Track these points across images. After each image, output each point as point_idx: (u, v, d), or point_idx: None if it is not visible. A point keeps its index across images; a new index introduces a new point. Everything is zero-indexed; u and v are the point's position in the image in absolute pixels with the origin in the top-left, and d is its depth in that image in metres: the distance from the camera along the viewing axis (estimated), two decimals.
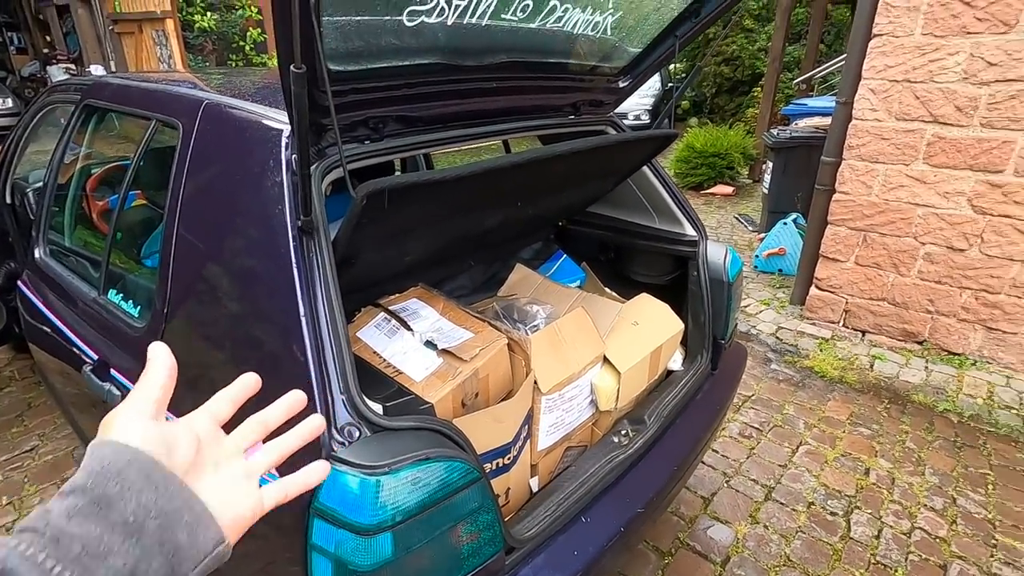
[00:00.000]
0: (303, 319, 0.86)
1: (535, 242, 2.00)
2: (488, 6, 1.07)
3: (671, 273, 1.79)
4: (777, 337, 3.25)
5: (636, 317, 1.50)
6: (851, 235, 3.06)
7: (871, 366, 2.93)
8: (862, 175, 2.94)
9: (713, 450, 2.30)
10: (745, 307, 3.61)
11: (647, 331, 1.47)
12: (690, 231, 1.72)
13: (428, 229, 1.22)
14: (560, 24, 1.28)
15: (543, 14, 1.21)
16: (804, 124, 4.47)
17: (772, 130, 4.58)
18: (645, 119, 8.54)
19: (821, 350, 3.07)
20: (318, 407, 0.84)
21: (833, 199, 3.08)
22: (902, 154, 2.80)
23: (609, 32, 1.41)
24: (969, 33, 2.52)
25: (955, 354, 2.90)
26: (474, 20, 1.08)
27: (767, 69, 6.27)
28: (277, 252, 0.92)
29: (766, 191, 4.58)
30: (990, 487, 2.13)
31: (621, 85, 1.62)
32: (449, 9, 1.00)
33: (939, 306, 2.89)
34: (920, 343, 3.00)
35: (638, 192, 1.79)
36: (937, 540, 1.87)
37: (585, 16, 1.31)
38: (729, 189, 6.21)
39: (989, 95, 2.54)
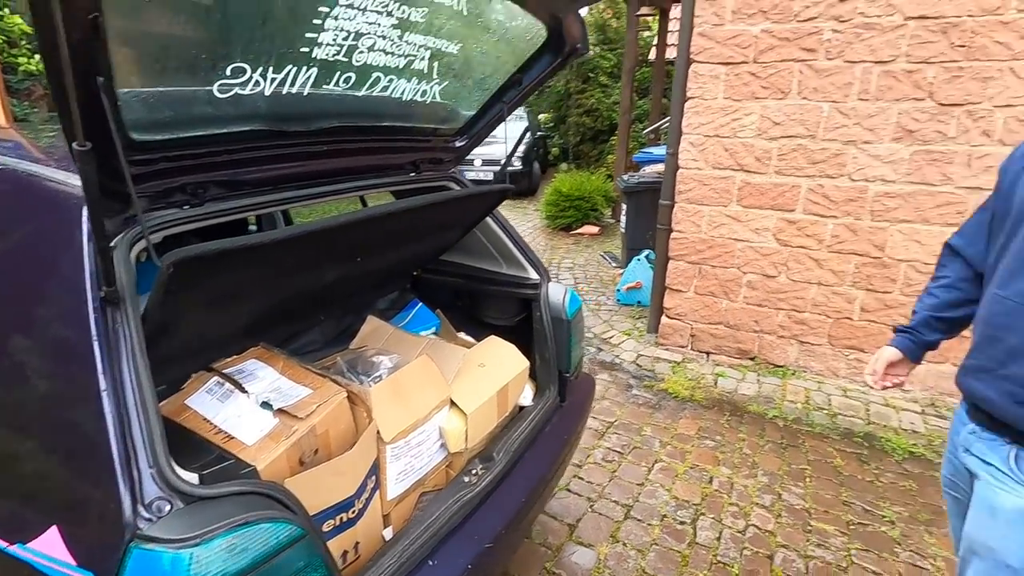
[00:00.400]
0: (104, 394, 0.84)
1: (391, 292, 2.05)
2: (307, 78, 1.14)
3: (519, 314, 1.92)
4: (637, 364, 3.54)
5: (483, 359, 1.59)
6: (689, 268, 3.46)
7: (715, 383, 3.29)
8: (692, 216, 3.37)
9: (579, 477, 2.43)
10: (609, 338, 3.90)
11: (493, 371, 1.57)
12: (533, 275, 1.87)
13: (259, 290, 1.23)
14: (388, 92, 1.38)
15: (368, 84, 1.30)
16: (650, 170, 5.01)
17: (624, 176, 5.08)
18: (518, 165, 9.02)
19: (674, 373, 3.39)
20: (121, 484, 0.81)
21: (671, 237, 3.47)
22: (720, 197, 3.26)
23: (439, 98, 1.54)
24: (758, 98, 3.04)
25: (779, 366, 3.35)
26: (295, 90, 1.14)
27: (620, 121, 6.96)
28: (77, 325, 0.89)
29: (623, 230, 5.04)
30: (807, 480, 2.47)
31: (458, 144, 1.75)
32: (265, 82, 1.06)
33: (762, 326, 3.34)
34: (752, 359, 3.43)
35: (485, 241, 1.92)
36: (766, 533, 2.13)
37: (412, 85, 1.43)
38: (595, 229, 6.72)
39: (778, 148, 3.06)
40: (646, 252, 4.39)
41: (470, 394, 1.46)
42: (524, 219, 7.82)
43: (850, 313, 3.09)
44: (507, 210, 8.41)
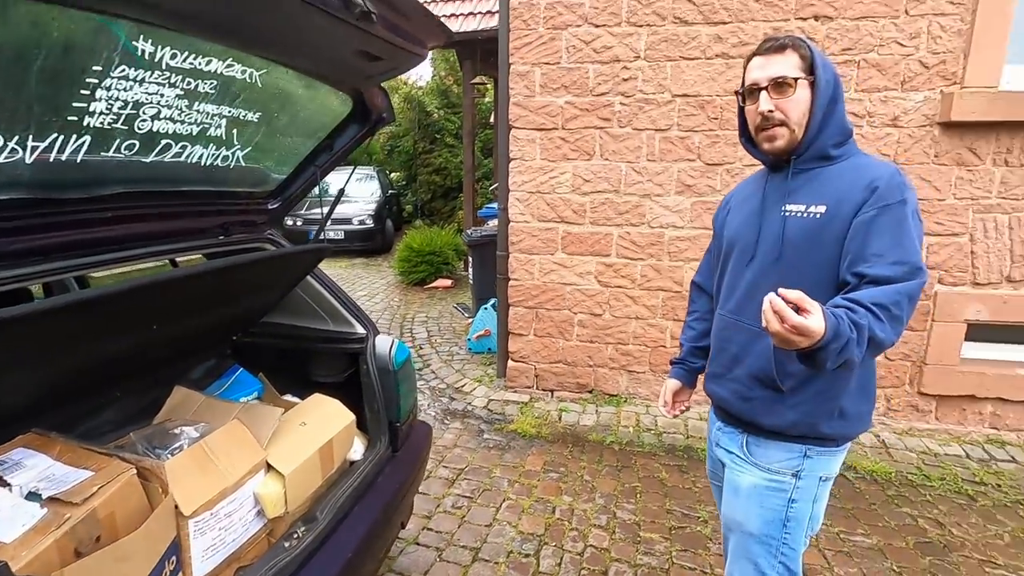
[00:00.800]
0: None
1: (206, 360, 1.95)
2: (80, 145, 1.12)
3: (348, 370, 1.94)
4: (489, 409, 3.66)
5: (305, 417, 1.58)
6: (527, 313, 3.71)
7: (560, 418, 3.51)
8: (524, 264, 3.65)
9: (428, 528, 2.43)
10: (462, 387, 3.99)
11: (316, 429, 1.56)
12: (359, 329, 1.91)
13: (25, 368, 1.13)
14: (184, 158, 1.38)
15: (157, 150, 1.30)
16: (492, 224, 5.34)
17: (469, 230, 5.35)
18: (369, 223, 9.00)
19: (522, 413, 3.56)
20: None
21: (509, 285, 3.72)
22: (547, 246, 3.59)
23: (244, 163, 1.56)
24: (569, 159, 3.46)
25: (613, 396, 3.68)
26: (65, 157, 1.11)
27: (465, 179, 7.35)
28: None
29: (472, 282, 5.25)
30: (638, 496, 2.72)
31: (271, 207, 1.77)
32: (24, 150, 1.02)
33: (596, 360, 3.67)
34: (590, 392, 3.72)
35: (309, 300, 1.93)
36: (601, 551, 2.29)
37: (211, 151, 1.44)
38: (448, 282, 6.89)
39: (590, 202, 3.48)
40: (492, 300, 4.61)
41: (289, 455, 1.44)
42: (378, 276, 7.77)
43: (663, 342, 3.53)
44: (361, 268, 8.32)
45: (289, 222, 9.03)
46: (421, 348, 4.85)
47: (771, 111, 1.22)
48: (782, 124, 1.22)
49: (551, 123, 3.43)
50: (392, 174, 13.02)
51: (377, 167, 11.86)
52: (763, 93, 1.22)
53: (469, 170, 7.05)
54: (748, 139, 1.35)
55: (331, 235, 8.85)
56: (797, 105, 1.21)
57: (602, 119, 3.36)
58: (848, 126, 1.26)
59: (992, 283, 3.07)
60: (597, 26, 3.26)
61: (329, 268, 8.35)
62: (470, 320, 5.19)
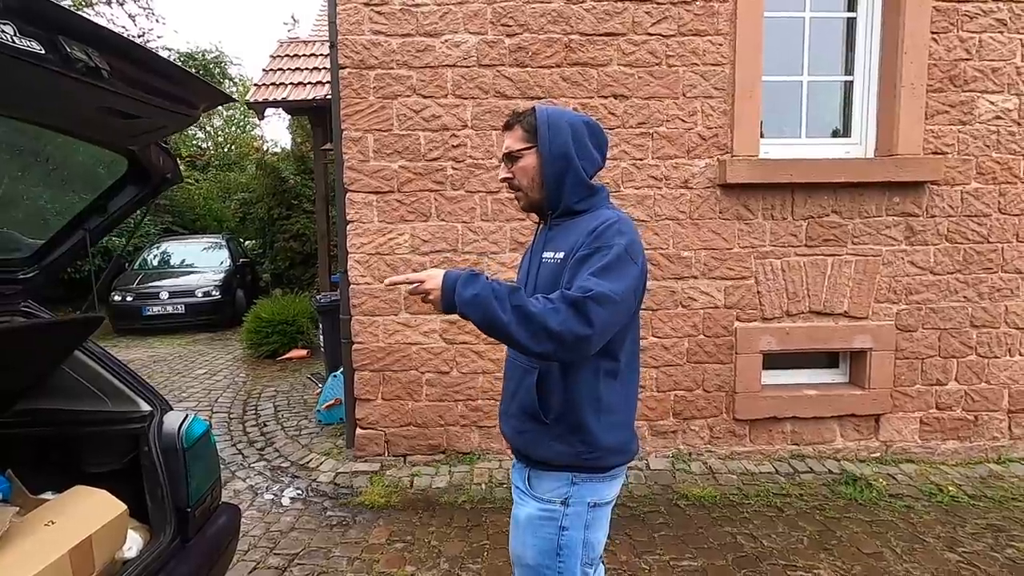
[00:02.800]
0: None
1: None
2: None
3: (129, 454, 1.72)
4: (335, 483, 3.42)
5: (55, 515, 1.36)
6: (373, 376, 3.61)
7: (411, 484, 3.38)
8: (368, 327, 3.58)
9: None
10: (307, 463, 3.71)
11: (67, 528, 1.34)
12: (144, 406, 1.72)
13: None
14: None
15: None
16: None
17: (318, 296, 5.15)
18: (216, 295, 8.33)
19: (372, 483, 3.38)
20: None
21: (354, 349, 3.60)
22: (390, 307, 3.56)
23: None
24: (407, 220, 3.52)
25: (466, 454, 3.64)
26: None
27: (319, 245, 7.15)
28: None
29: (323, 349, 5.01)
30: (486, 554, 2.66)
31: (23, 276, 1.57)
32: None
33: (446, 419, 3.63)
34: (443, 452, 3.65)
35: (81, 379, 1.71)
36: None
37: None
38: (304, 352, 6.51)
39: (430, 261, 3.54)
40: (342, 368, 4.42)
41: (21, 563, 1.22)
42: (224, 351, 7.12)
43: None
44: (205, 344, 7.59)
45: (118, 297, 8.07)
46: (266, 425, 4.47)
47: (507, 178, 1.39)
48: (517, 188, 1.39)
49: (387, 186, 3.49)
50: (247, 242, 12.30)
51: (228, 235, 11.14)
52: (503, 163, 1.40)
53: (323, 235, 6.88)
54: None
55: (168, 310, 8.02)
56: (524, 172, 1.38)
57: (436, 182, 3.50)
58: (589, 182, 1.42)
59: (776, 317, 3.59)
60: (425, 97, 3.45)
61: (168, 347, 7.51)
62: (320, 390, 4.91)
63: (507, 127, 1.41)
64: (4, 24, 0.87)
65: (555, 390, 1.32)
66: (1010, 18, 3.41)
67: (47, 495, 1.60)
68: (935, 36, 3.40)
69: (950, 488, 3.24)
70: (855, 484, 3.26)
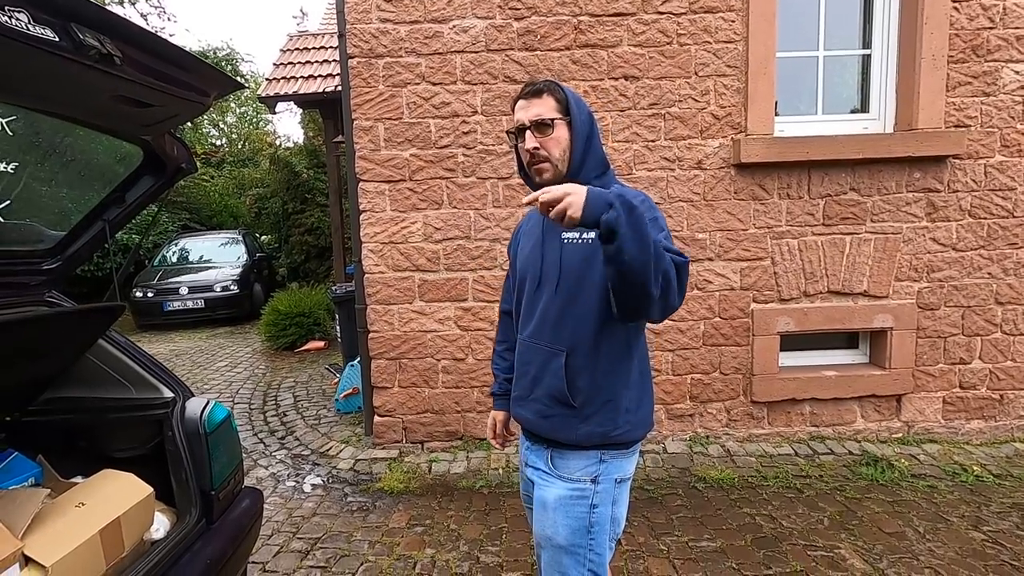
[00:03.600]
0: None
1: None
2: None
3: (154, 439, 1.76)
4: (355, 470, 3.47)
5: (85, 497, 1.40)
6: (389, 364, 3.64)
7: (429, 470, 3.41)
8: (383, 316, 3.60)
9: None
10: (327, 450, 3.76)
11: (97, 509, 1.38)
12: (167, 393, 1.75)
13: None
14: None
15: None
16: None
17: (333, 287, 5.20)
18: (234, 289, 8.45)
19: (391, 470, 3.42)
20: None
21: (370, 337, 3.64)
22: (404, 295, 3.58)
23: (3, 219, 1.42)
24: (419, 209, 3.53)
25: (483, 439, 3.66)
26: None
27: (334, 237, 7.20)
28: None
29: (340, 339, 5.07)
30: (504, 537, 2.69)
31: (47, 267, 1.61)
32: None
33: (463, 405, 3.66)
34: (460, 439, 3.68)
35: (105, 367, 1.75)
36: None
37: None
38: (321, 343, 6.59)
39: (443, 249, 3.55)
40: (359, 358, 4.46)
41: (55, 542, 1.26)
42: (244, 344, 7.24)
43: None
44: (224, 337, 7.71)
45: (139, 294, 8.22)
46: (286, 415, 4.54)
47: (536, 148, 1.35)
48: (546, 160, 1.35)
49: (398, 175, 3.50)
50: (262, 236, 12.44)
51: (244, 230, 11.28)
52: (528, 132, 1.35)
53: (337, 227, 6.93)
54: (526, 174, 1.47)
55: (188, 305, 8.16)
56: (557, 143, 1.35)
57: (447, 170, 3.49)
58: (605, 159, 1.43)
59: (794, 298, 3.54)
60: (435, 84, 3.44)
61: (189, 340, 7.65)
62: (338, 380, 4.97)
63: (534, 94, 1.34)
64: (18, 12, 0.89)
65: (584, 370, 1.32)
66: None
67: (77, 479, 1.65)
68: (956, 5, 3.30)
69: (974, 468, 3.18)
70: (876, 465, 3.22)
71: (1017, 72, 3.36)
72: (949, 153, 3.36)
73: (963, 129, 3.37)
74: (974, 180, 3.43)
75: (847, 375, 3.56)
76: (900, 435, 3.59)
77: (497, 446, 1.71)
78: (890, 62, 3.46)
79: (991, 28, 3.33)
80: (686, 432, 3.63)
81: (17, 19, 0.88)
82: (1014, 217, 3.45)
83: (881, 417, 3.60)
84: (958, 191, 3.44)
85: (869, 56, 3.52)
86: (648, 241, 1.04)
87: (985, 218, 3.46)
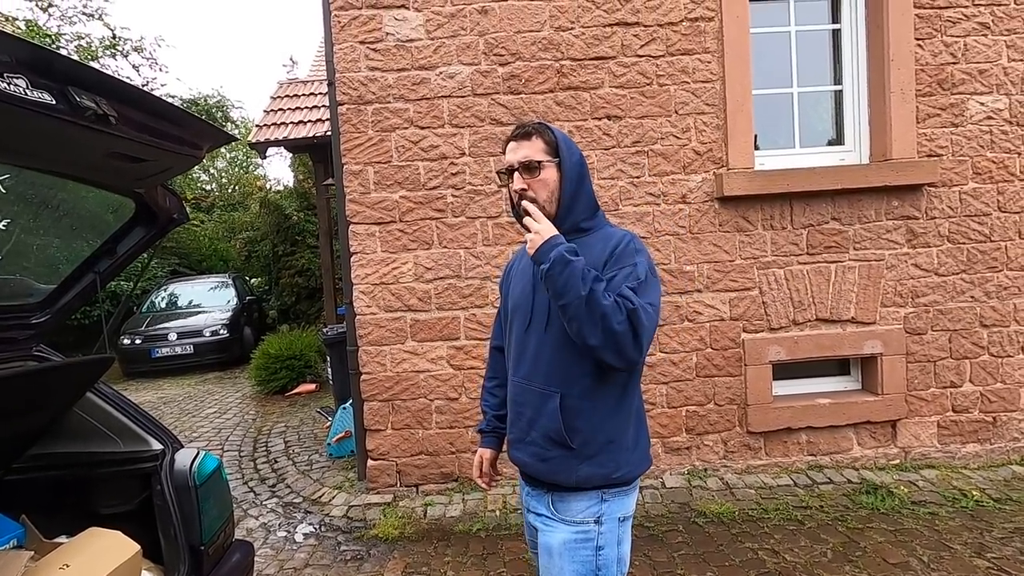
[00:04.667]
0: None
1: None
2: None
3: (142, 494, 1.72)
4: (348, 517, 3.39)
5: (70, 558, 1.36)
6: (382, 406, 3.60)
7: (425, 514, 3.34)
8: (375, 357, 3.59)
9: None
10: (319, 497, 3.68)
11: (82, 571, 1.34)
12: (155, 445, 1.72)
13: None
14: None
15: None
16: None
17: (324, 328, 5.17)
18: (224, 333, 8.37)
19: (385, 515, 3.34)
20: None
21: (362, 379, 3.61)
22: (396, 336, 3.58)
23: None
24: (409, 249, 3.56)
25: None
26: None
27: (324, 279, 7.21)
28: None
29: (331, 382, 5.01)
30: None
31: (36, 320, 1.60)
32: None
33: (457, 445, 3.61)
34: (456, 480, 3.62)
35: (92, 420, 1.72)
36: None
37: None
38: (312, 386, 6.51)
39: (434, 288, 3.57)
40: (351, 400, 4.41)
41: None
42: (233, 389, 7.13)
43: None
44: (214, 383, 7.60)
45: (127, 340, 8.12)
46: (277, 461, 4.45)
47: (523, 189, 1.38)
48: (533, 201, 1.38)
49: (388, 216, 3.54)
50: (252, 279, 12.41)
51: (234, 273, 11.25)
52: (516, 173, 1.38)
53: (328, 269, 6.95)
54: (516, 213, 1.50)
55: (177, 351, 8.06)
56: (545, 185, 1.38)
57: (436, 210, 3.54)
58: (595, 201, 1.46)
59: (783, 327, 3.57)
60: (423, 128, 3.52)
61: (177, 387, 7.53)
62: (330, 423, 4.89)
63: (523, 136, 1.38)
64: (17, 78, 0.92)
65: (580, 411, 1.32)
66: (992, 21, 3.47)
67: (61, 538, 1.60)
68: (920, 42, 3.46)
69: (974, 492, 3.17)
70: (876, 493, 3.19)
71: (982, 103, 3.50)
72: (924, 181, 3.47)
73: (936, 158, 3.49)
74: (950, 207, 3.53)
75: (841, 402, 3.56)
76: (898, 461, 3.58)
77: (483, 486, 1.67)
78: (861, 96, 3.61)
79: (954, 63, 3.49)
80: (684, 465, 3.60)
81: (16, 85, 0.91)
82: (991, 241, 3.54)
83: (877, 443, 3.59)
84: (936, 218, 3.53)
85: (841, 91, 3.67)
86: (573, 297, 1.20)
87: (964, 243, 3.54)
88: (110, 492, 1.74)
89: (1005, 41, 3.49)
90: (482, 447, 1.63)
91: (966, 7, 3.46)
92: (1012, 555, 2.57)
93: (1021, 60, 3.49)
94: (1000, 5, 3.47)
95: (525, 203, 1.33)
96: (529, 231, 1.31)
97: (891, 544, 2.72)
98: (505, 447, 1.57)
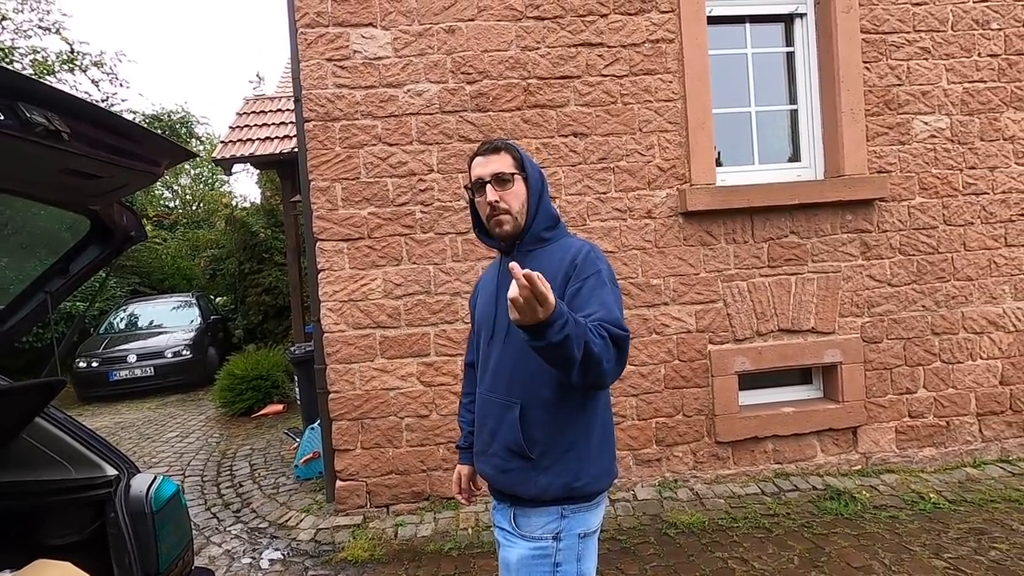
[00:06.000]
0: None
1: None
2: None
3: (95, 522, 1.65)
4: (316, 540, 3.30)
5: None
6: (351, 425, 3.53)
7: (396, 535, 3.28)
8: (344, 375, 3.53)
9: None
10: (286, 521, 3.57)
11: None
12: (109, 471, 1.66)
13: None
14: None
15: None
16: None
17: (292, 347, 5.07)
18: (187, 354, 8.12)
19: (355, 537, 3.26)
20: None
21: (330, 398, 3.54)
22: (365, 354, 3.53)
23: None
24: (378, 266, 3.54)
25: (450, 499, 3.55)
26: None
27: (292, 297, 7.08)
28: None
29: (299, 402, 4.90)
30: None
31: None
32: None
33: (428, 464, 3.56)
34: (427, 499, 3.56)
35: (41, 447, 1.65)
36: None
37: None
38: (280, 407, 6.35)
39: (404, 304, 3.54)
40: (319, 420, 4.32)
41: None
42: (196, 412, 6.90)
43: None
44: (176, 406, 7.34)
45: (83, 364, 7.80)
46: (242, 485, 4.31)
47: (497, 201, 1.40)
48: (506, 212, 1.41)
49: (357, 233, 3.52)
50: (217, 298, 12.10)
51: (198, 292, 10.96)
52: (488, 186, 1.41)
53: (295, 286, 6.83)
54: (481, 229, 1.52)
55: (137, 373, 7.78)
56: (516, 197, 1.41)
57: (405, 226, 3.54)
58: (555, 213, 1.49)
59: (748, 338, 3.66)
60: (391, 144, 3.52)
61: (136, 411, 7.25)
62: (297, 445, 4.77)
63: (492, 151, 1.41)
64: None
65: (540, 422, 1.32)
66: (932, 46, 3.69)
67: (5, 573, 1.52)
68: (867, 64, 3.65)
69: (931, 495, 3.28)
70: (840, 499, 3.27)
71: (926, 123, 3.70)
72: (875, 196, 3.63)
73: (885, 174, 3.66)
74: (900, 220, 3.69)
75: (804, 410, 3.66)
76: (859, 467, 3.68)
77: (463, 501, 1.68)
78: (815, 115, 3.77)
79: (900, 85, 3.68)
80: (655, 477, 3.63)
81: None
82: (939, 253, 3.72)
83: (840, 450, 3.69)
84: (887, 231, 3.69)
85: (796, 111, 3.83)
86: (575, 360, 1.08)
87: (914, 255, 3.71)
88: (60, 521, 1.66)
89: (944, 65, 3.70)
90: (460, 463, 1.62)
91: (908, 32, 3.67)
92: (967, 554, 2.66)
93: (959, 82, 3.71)
94: (939, 31, 3.68)
95: (531, 273, 0.99)
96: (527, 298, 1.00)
97: (854, 548, 2.79)
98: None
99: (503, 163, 1.41)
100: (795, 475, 3.62)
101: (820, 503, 3.27)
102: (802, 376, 3.87)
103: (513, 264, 0.99)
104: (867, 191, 3.60)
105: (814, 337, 3.66)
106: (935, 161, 3.71)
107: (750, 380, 3.73)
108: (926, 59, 3.69)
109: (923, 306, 3.72)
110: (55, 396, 1.56)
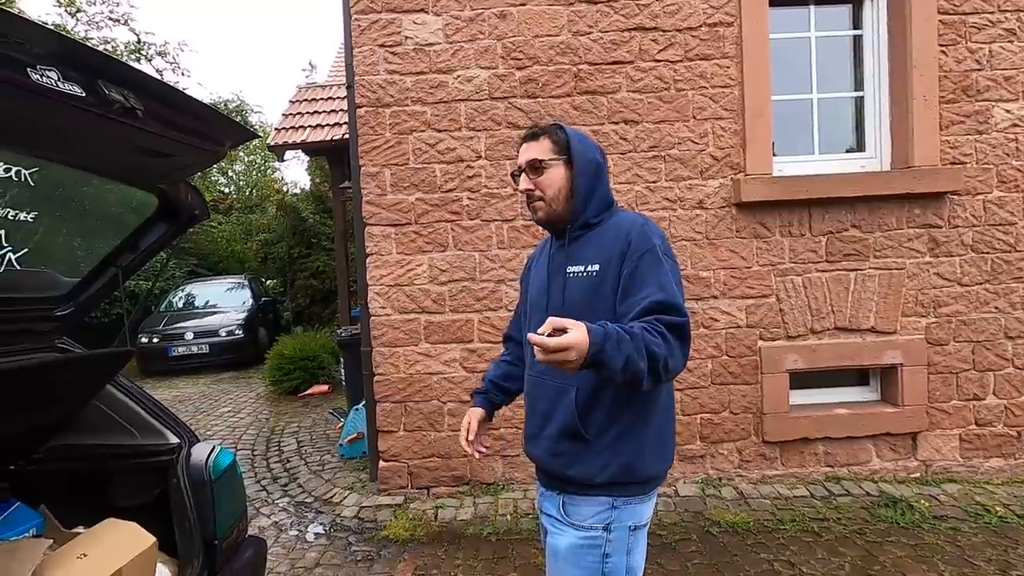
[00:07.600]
0: None
1: None
2: None
3: (158, 487, 1.73)
4: (359, 518, 3.39)
5: (88, 548, 1.37)
6: (395, 408, 3.60)
7: (435, 517, 3.33)
8: (389, 358, 3.59)
9: None
10: (331, 497, 3.68)
11: (99, 560, 1.35)
12: (172, 439, 1.74)
13: None
14: None
15: None
16: None
17: (339, 330, 5.20)
18: (239, 334, 8.46)
19: (396, 517, 3.34)
20: None
21: (375, 380, 3.62)
22: (410, 338, 3.58)
23: (18, 265, 1.45)
24: (424, 251, 3.57)
25: (490, 484, 3.58)
26: None
27: (339, 281, 7.26)
28: None
29: (344, 383, 5.03)
30: None
31: (60, 313, 1.63)
32: None
33: None
34: (467, 484, 3.60)
35: (111, 413, 1.74)
36: None
37: None
38: (325, 387, 6.54)
39: (448, 291, 3.57)
40: (364, 401, 4.42)
41: None
42: (248, 389, 7.19)
43: None
44: (229, 382, 7.67)
45: (145, 339, 8.24)
46: (289, 460, 4.47)
47: (528, 188, 1.39)
48: (540, 199, 1.39)
49: (404, 219, 3.56)
50: (268, 281, 12.54)
51: (250, 275, 11.38)
52: (523, 174, 1.40)
53: (342, 271, 7.00)
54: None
55: (193, 350, 8.16)
56: (551, 183, 1.39)
57: (452, 213, 3.55)
58: (610, 199, 1.46)
59: (801, 335, 3.52)
60: (440, 131, 3.54)
61: (192, 386, 7.61)
62: (342, 424, 4.91)
63: (531, 137, 1.41)
64: (49, 70, 0.93)
65: (597, 404, 1.31)
66: (1019, 27, 3.42)
67: (79, 529, 1.62)
68: (944, 48, 3.41)
69: (998, 508, 3.09)
70: (895, 506, 3.12)
71: (1008, 111, 3.44)
72: (947, 189, 3.40)
73: (959, 166, 3.43)
74: (974, 215, 3.46)
75: (859, 413, 3.50)
76: (918, 475, 3.50)
77: (470, 451, 1.56)
78: (883, 103, 3.56)
79: (979, 70, 3.43)
80: (698, 474, 3.55)
81: (48, 77, 0.93)
82: (1016, 251, 3.47)
83: (897, 456, 3.52)
84: (959, 226, 3.46)
85: (862, 98, 3.62)
86: (635, 367, 1.09)
87: (988, 252, 3.47)
88: (127, 485, 1.76)
89: None
90: (473, 406, 1.61)
91: (991, 13, 3.41)
92: None
93: None
94: None
95: (535, 339, 1.06)
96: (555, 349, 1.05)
97: (911, 559, 2.65)
98: (522, 443, 1.56)
99: (539, 150, 1.40)
100: (847, 479, 3.47)
101: (874, 510, 3.13)
102: (858, 377, 3.70)
103: (530, 335, 1.06)
104: (939, 183, 3.38)
105: (873, 337, 3.49)
106: (1016, 152, 3.45)
107: (801, 379, 3.59)
108: (1011, 42, 3.43)
109: (996, 307, 3.48)
110: (124, 365, 1.64)
